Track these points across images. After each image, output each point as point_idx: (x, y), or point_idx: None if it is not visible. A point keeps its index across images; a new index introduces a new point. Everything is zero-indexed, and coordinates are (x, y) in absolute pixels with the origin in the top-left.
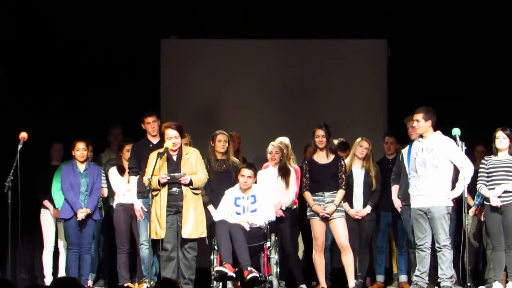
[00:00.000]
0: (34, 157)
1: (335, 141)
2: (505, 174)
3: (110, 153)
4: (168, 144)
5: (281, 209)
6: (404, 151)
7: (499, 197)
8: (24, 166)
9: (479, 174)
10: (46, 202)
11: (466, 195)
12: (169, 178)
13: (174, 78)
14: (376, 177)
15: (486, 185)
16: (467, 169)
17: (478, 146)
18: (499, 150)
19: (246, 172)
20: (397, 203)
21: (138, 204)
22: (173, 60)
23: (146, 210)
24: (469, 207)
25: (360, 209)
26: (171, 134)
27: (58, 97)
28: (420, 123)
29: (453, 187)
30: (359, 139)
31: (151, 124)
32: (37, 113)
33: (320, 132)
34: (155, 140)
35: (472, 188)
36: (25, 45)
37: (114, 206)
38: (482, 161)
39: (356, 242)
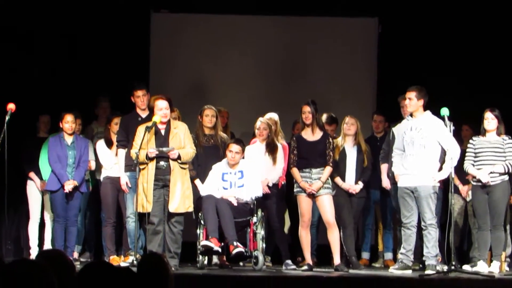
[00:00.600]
0: (22, 129)
1: (324, 115)
2: (493, 155)
3: (98, 126)
4: (156, 118)
5: (268, 185)
6: (395, 129)
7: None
8: (11, 137)
9: (466, 154)
10: (32, 174)
11: (453, 175)
12: (157, 152)
13: (164, 53)
14: (367, 154)
15: (474, 165)
16: (453, 151)
17: (464, 125)
18: (487, 131)
19: (234, 147)
20: (386, 182)
21: (124, 178)
22: (163, 35)
23: (130, 185)
24: (456, 187)
25: (352, 184)
26: (162, 105)
27: (47, 69)
28: (412, 101)
29: (440, 168)
30: (346, 118)
31: (140, 98)
32: (25, 84)
33: (307, 108)
34: (144, 114)
35: (458, 169)
36: (13, 16)
37: (101, 179)
38: (470, 141)
39: (348, 217)
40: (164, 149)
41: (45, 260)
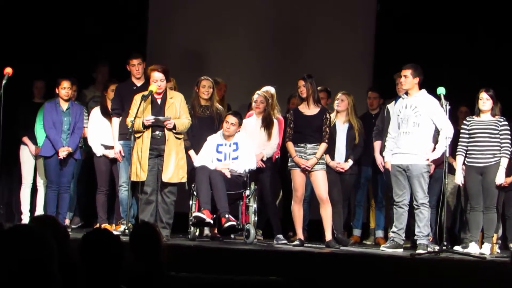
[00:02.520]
0: (17, 93)
1: (318, 88)
2: (487, 136)
3: (95, 90)
4: (153, 87)
5: (262, 160)
6: (390, 106)
7: (482, 157)
8: (7, 102)
9: (460, 135)
10: (26, 139)
11: (447, 154)
12: (153, 121)
13: (161, 22)
14: (359, 131)
15: (466, 149)
16: (446, 131)
17: (462, 106)
18: (482, 112)
19: (231, 119)
20: (379, 160)
21: (117, 147)
22: (161, 3)
23: (123, 154)
24: (450, 166)
25: (341, 162)
26: (157, 77)
27: (44, 33)
28: (408, 78)
29: (434, 148)
30: (338, 94)
31: (135, 67)
32: (23, 48)
33: (301, 82)
34: (139, 83)
35: (452, 148)
36: None
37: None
38: (464, 121)
39: (337, 194)
40: (161, 118)
41: (39, 225)
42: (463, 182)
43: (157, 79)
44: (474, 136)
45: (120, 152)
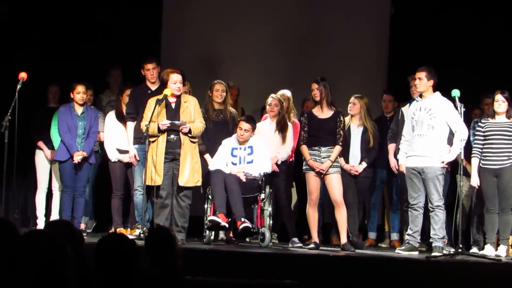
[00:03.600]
0: (32, 98)
1: None
2: (502, 138)
3: (111, 95)
4: (167, 91)
5: (276, 163)
6: (404, 109)
7: (497, 159)
8: (22, 106)
9: (475, 138)
10: (41, 143)
11: (462, 156)
12: (169, 125)
13: (175, 25)
14: (373, 134)
15: (481, 152)
16: (461, 133)
17: (476, 109)
18: (497, 114)
19: (244, 125)
20: (393, 163)
21: (132, 151)
22: (175, 6)
23: (138, 158)
24: (465, 168)
25: (355, 165)
26: (176, 78)
27: (58, 38)
28: (422, 81)
29: (449, 149)
30: (351, 97)
31: (150, 71)
32: (37, 53)
33: (315, 86)
34: (153, 87)
35: (466, 150)
36: None
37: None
38: (479, 123)
39: (352, 197)
40: (177, 122)
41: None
42: (479, 185)
43: (176, 80)
44: (489, 138)
45: (135, 156)
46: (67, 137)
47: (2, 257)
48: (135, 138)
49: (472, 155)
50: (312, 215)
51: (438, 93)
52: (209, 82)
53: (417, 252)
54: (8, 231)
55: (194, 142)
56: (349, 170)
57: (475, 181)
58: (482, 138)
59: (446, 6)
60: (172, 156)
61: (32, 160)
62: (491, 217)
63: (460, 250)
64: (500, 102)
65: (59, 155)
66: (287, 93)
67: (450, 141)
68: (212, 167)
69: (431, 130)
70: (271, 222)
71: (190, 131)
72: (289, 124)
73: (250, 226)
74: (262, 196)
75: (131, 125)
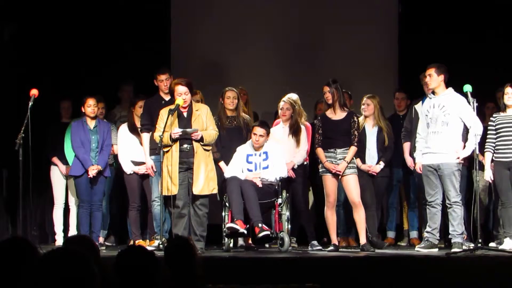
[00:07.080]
0: (45, 114)
1: None
2: None
3: (121, 110)
4: (179, 101)
5: (292, 168)
6: (417, 107)
7: (509, 152)
8: (35, 123)
9: (488, 133)
10: (55, 159)
11: (477, 151)
12: (181, 133)
13: (184, 34)
14: (388, 134)
15: (494, 146)
16: (475, 128)
17: (488, 103)
18: (508, 107)
19: (259, 130)
20: (409, 161)
21: (149, 162)
22: (184, 16)
23: (155, 169)
24: (480, 163)
25: (373, 165)
26: (181, 90)
27: (69, 54)
28: (433, 77)
29: (464, 146)
30: (363, 98)
31: (164, 82)
32: (48, 69)
33: (326, 88)
34: (167, 97)
35: (481, 145)
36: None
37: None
38: (491, 118)
39: (370, 197)
40: (188, 130)
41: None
42: (492, 179)
43: (181, 92)
44: (501, 131)
45: (152, 167)
46: (81, 152)
47: (24, 278)
48: (151, 149)
49: (485, 150)
50: (331, 217)
51: (451, 89)
52: (220, 89)
53: (436, 249)
54: (28, 251)
55: (207, 150)
56: (367, 170)
57: (488, 175)
58: (494, 132)
59: (453, 3)
60: (187, 166)
61: (48, 176)
62: (506, 210)
63: (479, 245)
64: (510, 95)
65: (74, 170)
66: (293, 96)
67: (464, 137)
68: (227, 174)
69: (445, 126)
70: (289, 226)
71: (202, 139)
72: (302, 126)
73: (269, 232)
74: (279, 200)
75: (146, 136)
